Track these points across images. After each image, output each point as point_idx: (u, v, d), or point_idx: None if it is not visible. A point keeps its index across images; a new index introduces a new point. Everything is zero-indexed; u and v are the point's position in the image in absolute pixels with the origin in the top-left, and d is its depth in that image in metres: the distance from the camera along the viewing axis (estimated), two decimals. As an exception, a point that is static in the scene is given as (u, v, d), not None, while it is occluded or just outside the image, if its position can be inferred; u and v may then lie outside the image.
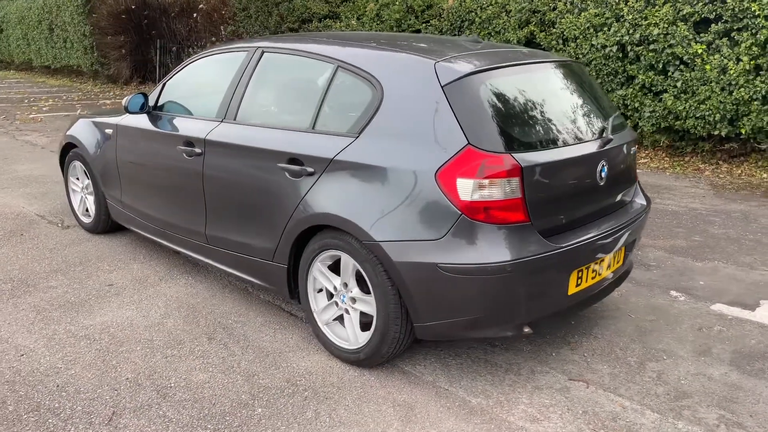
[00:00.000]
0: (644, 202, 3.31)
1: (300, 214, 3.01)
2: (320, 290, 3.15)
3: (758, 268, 4.29)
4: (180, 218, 3.80)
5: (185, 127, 3.70)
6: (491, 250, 2.54)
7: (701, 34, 7.12)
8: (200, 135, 3.54)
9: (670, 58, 7.29)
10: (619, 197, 3.14)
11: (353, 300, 2.96)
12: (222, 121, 3.50)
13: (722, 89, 6.98)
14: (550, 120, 2.83)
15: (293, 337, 3.33)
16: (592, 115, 3.05)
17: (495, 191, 2.54)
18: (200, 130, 3.57)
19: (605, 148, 2.94)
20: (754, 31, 6.68)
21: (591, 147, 2.88)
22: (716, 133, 7.19)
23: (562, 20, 8.14)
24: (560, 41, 8.26)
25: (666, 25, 7.24)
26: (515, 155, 2.58)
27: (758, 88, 6.71)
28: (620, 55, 7.71)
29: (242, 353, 3.15)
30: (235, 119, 3.45)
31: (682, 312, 3.62)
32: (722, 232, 5.04)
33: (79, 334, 3.33)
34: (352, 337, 2.98)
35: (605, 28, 7.80)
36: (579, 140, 2.86)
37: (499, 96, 2.73)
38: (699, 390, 2.83)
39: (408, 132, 2.73)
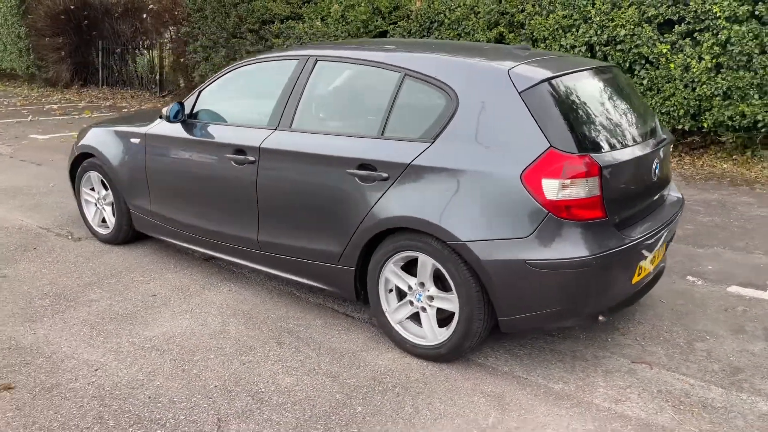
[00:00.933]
0: (680, 196, 3.59)
1: (373, 217, 3.12)
2: (390, 290, 3.27)
3: (753, 252, 4.68)
4: (226, 226, 3.83)
5: (233, 135, 3.73)
6: (576, 246, 2.74)
7: (665, 35, 7.58)
8: (254, 143, 3.58)
9: (637, 57, 7.74)
10: (663, 193, 3.41)
11: (430, 298, 3.09)
12: (276, 129, 3.55)
13: (686, 86, 7.47)
14: (612, 122, 3.05)
15: (359, 337, 3.43)
16: (641, 116, 3.30)
17: (577, 190, 2.74)
18: (253, 138, 3.61)
19: (658, 146, 3.20)
20: (715, 31, 7.18)
21: (649, 146, 3.12)
22: (680, 127, 7.69)
23: (531, 21, 8.47)
24: (530, 42, 8.58)
25: (632, 27, 7.67)
26: (593, 156, 2.78)
27: (719, 85, 7.23)
28: (589, 55, 8.10)
29: (317, 355, 3.23)
30: (290, 127, 3.51)
31: (704, 295, 3.94)
32: (709, 220, 5.45)
33: (145, 345, 3.33)
34: (430, 333, 3.12)
35: (573, 29, 8.18)
36: (638, 140, 3.09)
37: (570, 101, 2.93)
38: (748, 365, 3.12)
39: (487, 137, 2.89)
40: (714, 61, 7.26)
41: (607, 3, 7.83)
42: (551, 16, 8.31)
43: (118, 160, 4.42)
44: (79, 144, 4.72)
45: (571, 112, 2.89)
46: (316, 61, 3.54)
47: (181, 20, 13.36)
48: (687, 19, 7.37)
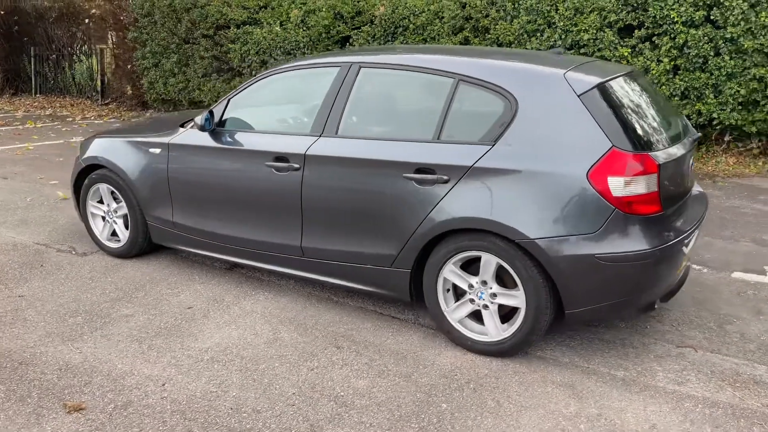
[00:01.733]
0: (701, 190, 3.85)
1: (434, 219, 3.21)
2: (447, 290, 3.36)
3: (740, 240, 5.06)
4: (264, 233, 3.82)
5: (272, 143, 3.73)
6: (640, 239, 2.93)
7: (625, 39, 8.01)
8: (298, 150, 3.60)
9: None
10: (693, 186, 3.66)
11: (493, 295, 3.21)
12: (320, 136, 3.58)
13: (648, 87, 7.91)
14: (654, 121, 3.26)
15: (412, 338, 3.51)
16: (673, 115, 3.53)
17: (639, 186, 2.92)
18: (295, 145, 3.62)
19: (693, 143, 3.43)
20: (672, 35, 7.65)
21: (687, 143, 3.35)
22: (642, 125, 8.12)
23: (496, 26, 8.74)
24: (495, 46, 8.85)
25: (594, 31, 8.06)
26: (650, 154, 2.97)
27: (677, 86, 7.71)
28: (554, 58, 8.42)
29: (380, 357, 3.29)
30: (336, 134, 3.55)
31: (714, 282, 4.23)
32: (690, 212, 5.81)
33: (203, 358, 3.29)
34: (494, 330, 3.24)
35: (538, 34, 8.50)
36: (679, 137, 3.31)
37: (620, 103, 3.12)
38: (779, 342, 3.40)
39: (548, 138, 3.04)
40: (672, 63, 7.73)
41: (570, 9, 8.18)
42: (515, 21, 8.60)
43: (134, 171, 4.31)
44: (86, 156, 4.57)
45: (623, 113, 3.07)
46: (360, 68, 3.58)
47: (127, 25, 12.97)
48: (646, 24, 7.81)
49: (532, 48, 8.51)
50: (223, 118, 4.00)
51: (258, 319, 3.72)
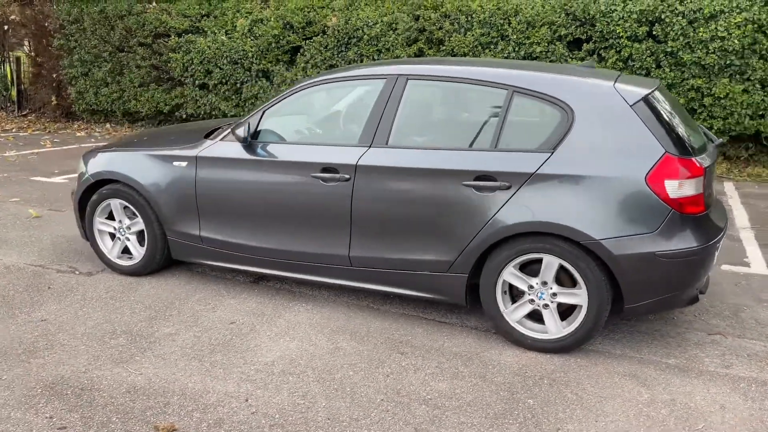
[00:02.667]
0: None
1: (496, 224, 3.36)
2: (504, 292, 3.52)
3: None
4: (309, 244, 3.83)
5: (318, 154, 3.75)
6: (692, 237, 3.21)
7: (575, 52, 8.52)
8: (348, 161, 3.64)
9: (552, 71, 8.58)
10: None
11: (553, 295, 3.40)
12: (370, 147, 3.65)
13: (597, 96, 8.44)
14: (688, 129, 3.56)
15: (466, 340, 3.64)
16: (694, 124, 3.86)
17: (690, 189, 3.20)
18: (344, 156, 3.67)
19: (716, 149, 3.78)
20: (618, 49, 8.22)
21: (713, 150, 3.68)
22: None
23: (451, 38, 9.03)
24: (450, 57, 9.14)
25: (546, 44, 8.52)
26: (695, 159, 3.26)
27: (623, 95, 8.26)
28: (508, 69, 8.81)
29: (447, 361, 3.39)
30: (386, 144, 3.63)
31: (711, 275, 4.63)
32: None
33: (273, 371, 3.27)
34: (554, 328, 3.42)
35: (492, 46, 8.88)
36: (705, 145, 3.64)
37: (663, 112, 3.40)
38: (791, 325, 3.80)
39: (605, 145, 3.26)
40: (619, 74, 8.28)
41: (523, 23, 8.60)
42: (469, 33, 8.93)
43: (155, 186, 4.18)
44: (96, 171, 4.37)
45: (667, 122, 3.35)
46: (407, 80, 3.68)
47: (52, 32, 12.30)
48: (594, 38, 8.34)
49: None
50: (258, 130, 3.97)
51: (308, 330, 3.72)
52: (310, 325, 3.78)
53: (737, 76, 7.81)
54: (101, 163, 4.39)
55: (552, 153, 3.33)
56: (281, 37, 10.16)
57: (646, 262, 3.19)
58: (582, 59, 8.46)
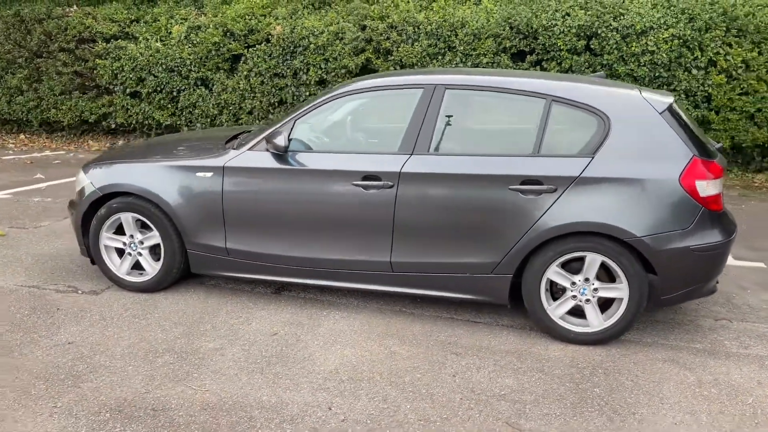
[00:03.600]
0: None
1: (543, 226, 3.56)
2: (546, 290, 3.72)
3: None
4: (347, 251, 3.86)
5: (359, 162, 3.79)
6: (718, 232, 3.56)
7: (518, 63, 8.98)
8: (392, 168, 3.72)
9: (498, 81, 8.99)
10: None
11: (595, 290, 3.64)
12: (412, 154, 3.74)
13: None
14: (702, 134, 3.91)
15: (509, 337, 3.80)
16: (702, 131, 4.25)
17: (714, 188, 3.55)
18: (387, 163, 3.74)
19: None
20: (559, 60, 8.75)
21: (720, 153, 4.07)
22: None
23: (399, 49, 9.24)
24: (398, 67, 9.34)
25: (492, 55, 8.93)
26: (716, 161, 3.62)
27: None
28: (456, 79, 9.12)
29: (502, 358, 3.54)
30: (428, 151, 3.74)
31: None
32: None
33: (342, 378, 3.28)
34: (596, 321, 3.66)
35: (440, 56, 9.17)
36: (715, 149, 4.02)
37: (685, 120, 3.73)
38: (779, 308, 4.26)
39: (640, 149, 3.55)
40: (560, 84, 8.81)
41: (469, 34, 8.96)
42: (416, 44, 9.17)
43: (175, 197, 4.05)
44: (105, 184, 4.15)
45: (690, 128, 3.68)
46: (445, 89, 3.80)
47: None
48: (537, 51, 8.82)
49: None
50: (289, 139, 3.94)
51: (355, 336, 3.74)
52: (353, 332, 3.80)
53: (665, 87, 8.52)
54: (111, 176, 4.18)
55: (593, 157, 3.56)
56: (221, 45, 9.95)
57: (682, 256, 3.49)
58: (526, 70, 8.90)
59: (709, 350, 3.66)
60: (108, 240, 4.27)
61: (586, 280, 3.64)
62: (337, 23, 9.61)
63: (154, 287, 4.25)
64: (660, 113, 3.58)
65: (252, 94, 9.93)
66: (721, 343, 3.75)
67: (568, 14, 8.72)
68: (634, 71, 8.46)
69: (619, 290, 3.60)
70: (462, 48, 8.98)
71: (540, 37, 8.70)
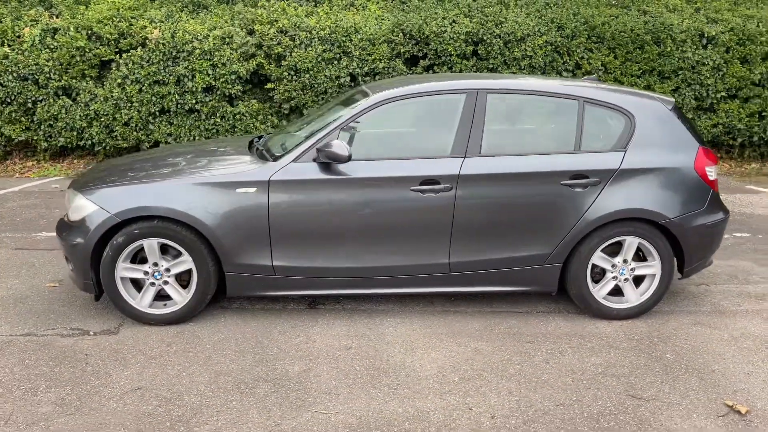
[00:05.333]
0: None
1: (592, 215, 3.90)
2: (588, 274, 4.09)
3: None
4: (406, 257, 3.88)
5: (416, 167, 3.82)
6: (721, 210, 4.18)
7: (412, 68, 9.38)
8: (451, 171, 3.81)
9: (393, 85, 9.29)
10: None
11: (632, 270, 4.07)
12: (465, 157, 3.87)
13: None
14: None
15: (557, 321, 4.08)
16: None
17: (713, 173, 4.17)
18: (444, 167, 3.82)
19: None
20: (450, 65, 9.30)
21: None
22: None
23: (292, 54, 9.13)
24: (293, 72, 9.20)
25: (387, 60, 9.22)
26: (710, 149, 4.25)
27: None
28: (352, 84, 9.27)
29: (569, 340, 3.82)
30: (480, 153, 3.90)
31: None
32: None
33: (454, 379, 3.33)
34: (633, 297, 4.09)
35: (335, 61, 9.24)
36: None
37: (684, 115, 4.31)
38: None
39: (660, 142, 4.04)
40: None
41: (364, 40, 9.15)
42: (309, 49, 9.15)
43: (212, 216, 3.73)
44: (123, 209, 3.67)
45: (689, 122, 4.26)
46: (487, 93, 3.98)
47: None
48: (429, 56, 9.28)
49: (330, 75, 9.14)
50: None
51: (428, 340, 3.78)
52: (422, 336, 3.83)
53: (541, 87, 9.43)
54: (132, 199, 3.72)
55: (625, 151, 3.98)
56: (87, 50, 9.03)
57: (701, 232, 4.05)
58: (421, 74, 9.29)
59: (717, 311, 4.27)
60: (125, 271, 3.80)
61: (625, 261, 4.04)
62: (222, 27, 9.23)
63: (182, 318, 3.88)
64: (669, 110, 4.10)
65: (129, 104, 9.14)
66: (719, 305, 4.39)
67: (455, 21, 9.28)
68: (516, 74, 9.24)
69: (653, 267, 4.06)
70: (358, 53, 9.12)
71: (431, 43, 9.14)
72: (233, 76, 9.05)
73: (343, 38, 9.11)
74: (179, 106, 9.14)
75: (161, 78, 9.08)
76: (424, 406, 3.07)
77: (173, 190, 3.75)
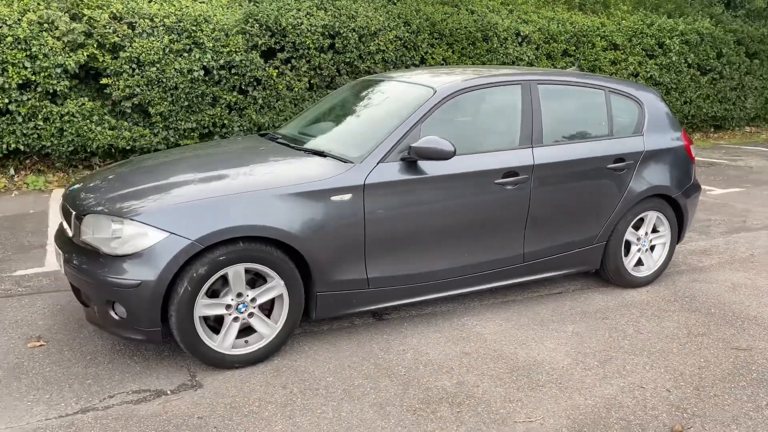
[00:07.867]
0: None
1: (629, 196, 4.26)
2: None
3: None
4: (487, 252, 3.81)
5: (497, 160, 3.74)
6: (699, 183, 4.87)
7: (270, 60, 8.94)
8: (526, 162, 3.83)
9: (251, 80, 8.79)
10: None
11: (651, 241, 4.55)
12: (533, 146, 3.93)
13: (294, 103, 9.13)
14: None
15: (594, 296, 4.33)
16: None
17: (693, 152, 4.84)
18: (519, 158, 3.82)
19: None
20: (308, 59, 9.09)
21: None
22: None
23: (133, 44, 8.05)
24: (135, 66, 8.12)
25: (244, 53, 8.67)
26: (681, 131, 4.91)
27: (313, 99, 9.25)
28: (206, 78, 8.50)
29: (627, 312, 4.10)
30: (542, 143, 3.99)
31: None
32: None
33: (592, 363, 3.41)
34: (652, 264, 4.55)
35: (186, 53, 8.39)
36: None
37: (661, 103, 4.89)
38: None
39: (660, 126, 4.55)
40: (309, 81, 9.17)
41: (217, 31, 8.47)
42: (153, 39, 8.17)
43: (306, 230, 3.21)
44: (205, 233, 2.94)
45: (669, 107, 4.85)
46: (537, 84, 4.06)
47: None
48: (287, 48, 8.94)
49: (181, 68, 8.28)
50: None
51: (525, 332, 3.75)
52: (514, 327, 3.79)
53: (391, 81, 9.71)
54: (206, 220, 3.01)
55: (643, 135, 4.41)
56: None
57: (693, 202, 4.67)
58: (278, 68, 8.87)
59: (727, 261, 4.97)
60: (205, 308, 3.10)
61: (645, 233, 4.48)
62: (36, 11, 7.72)
63: (267, 355, 3.28)
64: (659, 97, 4.64)
65: None
66: (734, 251, 5.12)
67: (309, 14, 9.04)
68: (371, 68, 9.38)
69: (664, 237, 4.56)
70: (211, 45, 8.39)
71: (289, 35, 8.80)
72: (58, 70, 7.64)
73: (193, 27, 8.29)
74: (-12, 105, 7.44)
75: (-38, 72, 7.29)
76: (601, 393, 3.08)
77: (256, 203, 3.14)
